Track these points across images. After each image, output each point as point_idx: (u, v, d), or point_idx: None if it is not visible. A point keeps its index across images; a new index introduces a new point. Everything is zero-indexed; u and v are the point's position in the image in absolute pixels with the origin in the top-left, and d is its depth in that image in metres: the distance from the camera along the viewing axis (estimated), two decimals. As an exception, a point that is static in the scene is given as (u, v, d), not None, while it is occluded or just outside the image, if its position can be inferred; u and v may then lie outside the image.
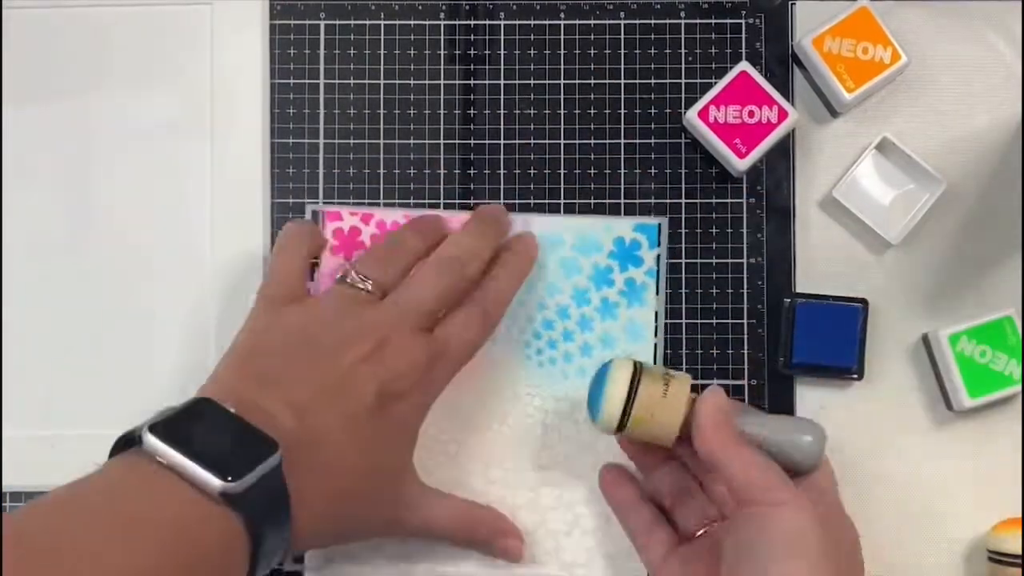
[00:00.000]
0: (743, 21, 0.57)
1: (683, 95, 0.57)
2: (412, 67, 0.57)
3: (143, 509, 0.39)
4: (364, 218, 0.56)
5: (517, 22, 0.57)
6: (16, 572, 0.35)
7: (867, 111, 0.56)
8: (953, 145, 0.56)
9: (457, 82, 0.57)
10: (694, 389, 0.48)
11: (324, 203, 0.56)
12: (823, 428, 0.48)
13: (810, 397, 0.55)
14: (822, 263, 0.56)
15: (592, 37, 0.57)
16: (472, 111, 0.57)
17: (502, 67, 0.57)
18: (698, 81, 0.57)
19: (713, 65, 0.57)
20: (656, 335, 0.55)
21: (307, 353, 0.47)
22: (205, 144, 0.57)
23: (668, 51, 0.57)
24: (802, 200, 0.56)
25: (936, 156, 0.55)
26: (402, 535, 0.51)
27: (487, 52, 0.57)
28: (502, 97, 0.57)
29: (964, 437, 0.55)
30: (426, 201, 0.56)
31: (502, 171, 0.57)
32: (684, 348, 0.56)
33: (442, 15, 0.57)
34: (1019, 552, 0.51)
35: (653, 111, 0.57)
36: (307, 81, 0.57)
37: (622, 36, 0.57)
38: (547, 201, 0.56)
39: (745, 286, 0.56)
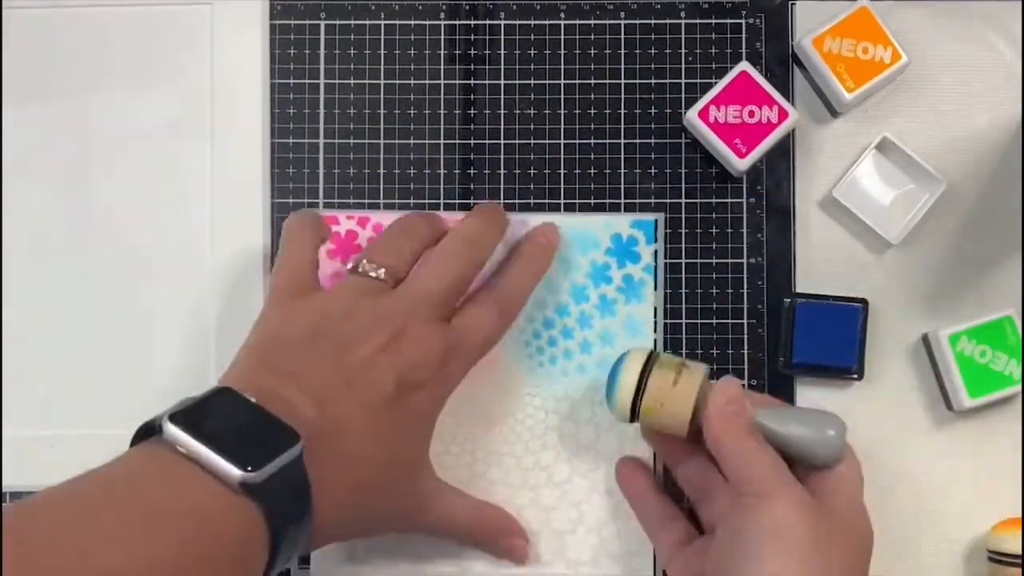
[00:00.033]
0: (743, 21, 0.57)
1: (683, 95, 0.57)
2: (412, 67, 0.57)
3: (162, 498, 0.39)
4: (361, 221, 0.56)
5: (517, 22, 0.57)
6: (28, 560, 0.34)
7: (867, 111, 0.56)
8: (953, 145, 0.56)
9: (457, 82, 0.57)
10: (713, 376, 0.48)
11: (323, 206, 0.56)
12: (843, 421, 0.48)
13: (810, 397, 0.55)
14: (822, 263, 0.56)
15: (592, 37, 0.57)
16: (472, 111, 0.57)
17: (502, 67, 0.57)
18: (698, 81, 0.57)
19: (713, 65, 0.57)
20: (655, 331, 0.55)
21: (325, 344, 0.46)
22: (205, 144, 0.57)
23: (668, 51, 0.57)
24: (802, 200, 0.56)
25: (936, 156, 0.55)
26: (416, 530, 0.51)
27: (487, 52, 0.57)
28: (502, 97, 0.57)
29: (964, 437, 0.55)
30: (426, 201, 0.56)
31: (502, 171, 0.57)
32: (684, 348, 0.56)
33: (442, 15, 0.57)
34: (1019, 552, 0.51)
35: (653, 111, 0.57)
36: (307, 81, 0.57)
37: (622, 36, 0.57)
38: (547, 201, 0.56)
39: (745, 286, 0.56)
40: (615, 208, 0.56)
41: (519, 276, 0.52)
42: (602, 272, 0.55)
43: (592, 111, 0.57)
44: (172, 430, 0.40)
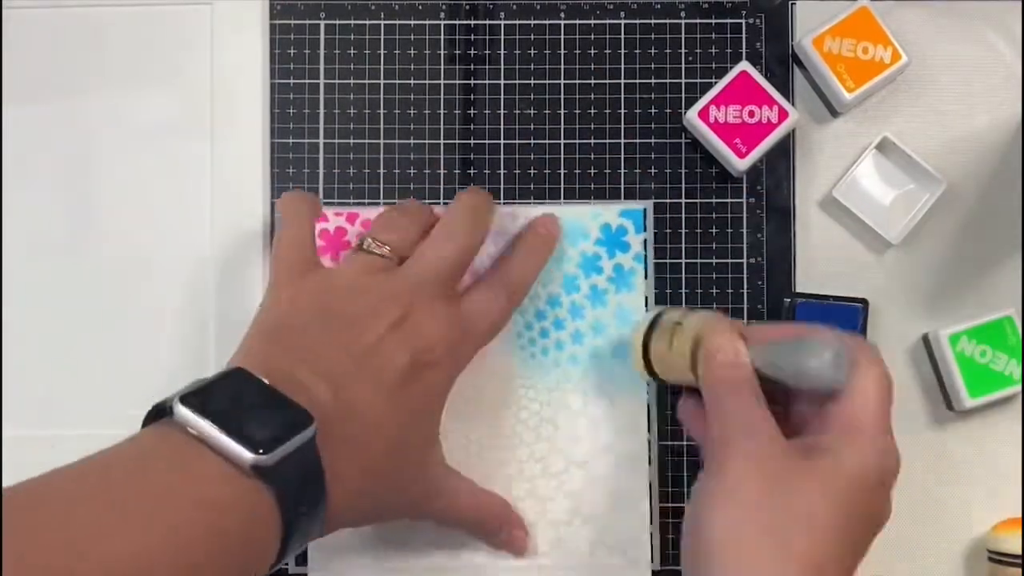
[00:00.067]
0: (743, 21, 0.57)
1: (683, 95, 0.57)
2: (412, 67, 0.57)
3: (170, 481, 0.38)
4: (349, 218, 0.56)
5: (517, 22, 0.57)
6: (31, 538, 0.34)
7: (867, 111, 0.56)
8: (953, 145, 0.56)
9: (457, 82, 0.57)
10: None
11: (323, 206, 0.56)
12: (839, 341, 0.44)
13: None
14: (822, 263, 0.56)
15: (592, 37, 0.57)
16: (472, 111, 0.57)
17: (502, 67, 0.57)
18: (698, 81, 0.57)
19: (713, 65, 0.57)
20: None
21: (336, 325, 0.46)
22: (205, 144, 0.57)
23: (668, 51, 0.57)
24: (802, 200, 0.56)
25: (936, 156, 0.55)
26: (423, 517, 0.50)
27: (487, 52, 0.57)
28: (502, 97, 0.57)
29: (964, 437, 0.55)
30: (426, 201, 0.56)
31: (502, 171, 0.57)
32: (684, 348, 0.56)
33: (442, 15, 0.57)
34: (1019, 552, 0.51)
35: (653, 111, 0.57)
36: (307, 81, 0.57)
37: (622, 36, 0.57)
38: (547, 201, 0.56)
39: (745, 286, 0.56)
40: (615, 208, 0.56)
41: (523, 264, 0.53)
42: (592, 262, 0.55)
43: (592, 111, 0.57)
44: (183, 411, 0.39)
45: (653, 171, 0.56)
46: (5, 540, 0.33)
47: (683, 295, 0.56)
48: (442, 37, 0.57)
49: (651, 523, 0.54)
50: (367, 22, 0.57)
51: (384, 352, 0.46)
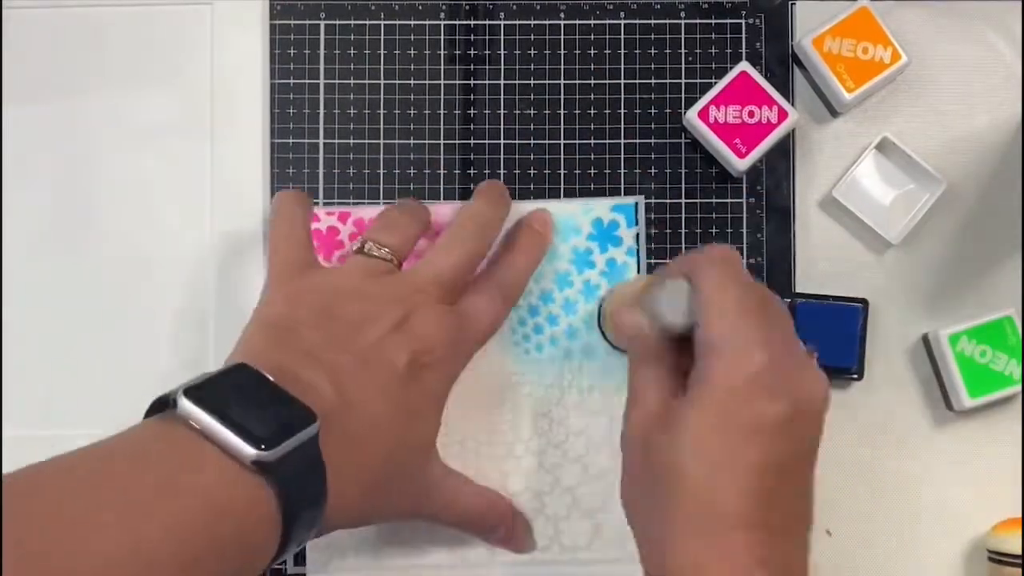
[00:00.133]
0: (743, 21, 0.57)
1: (683, 95, 0.57)
2: (412, 67, 0.57)
3: (171, 474, 0.38)
4: (341, 217, 0.56)
5: (517, 22, 0.57)
6: (31, 525, 0.34)
7: (867, 111, 0.56)
8: (953, 145, 0.56)
9: (457, 82, 0.57)
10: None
11: (322, 206, 0.56)
12: (678, 283, 0.43)
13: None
14: (822, 263, 0.56)
15: (592, 37, 0.57)
16: (472, 111, 0.57)
17: (502, 67, 0.57)
18: (698, 81, 0.57)
19: (713, 65, 0.57)
20: None
21: (337, 325, 0.46)
22: (205, 144, 0.57)
23: (668, 51, 0.57)
24: (802, 200, 0.56)
25: (936, 156, 0.55)
26: (421, 517, 0.50)
27: (487, 52, 0.57)
28: (502, 97, 0.57)
29: (964, 437, 0.55)
30: (426, 201, 0.56)
31: (502, 171, 0.57)
32: (684, 348, 0.56)
33: (442, 15, 0.57)
34: (1019, 552, 0.51)
35: (653, 111, 0.57)
36: (307, 81, 0.57)
37: (622, 36, 0.57)
38: (547, 201, 0.56)
39: (745, 286, 0.56)
40: (615, 208, 0.56)
41: (518, 263, 0.53)
42: (585, 257, 0.55)
43: (592, 111, 0.57)
44: (186, 405, 0.39)
45: (653, 171, 0.56)
46: (5, 526, 0.33)
47: (683, 295, 0.56)
48: (442, 37, 0.57)
49: (650, 522, 0.54)
50: (367, 22, 0.57)
51: (385, 352, 0.46)
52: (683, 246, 0.56)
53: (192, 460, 0.39)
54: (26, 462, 0.36)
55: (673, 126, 0.57)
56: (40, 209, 0.57)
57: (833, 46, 0.54)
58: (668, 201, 0.56)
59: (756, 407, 0.40)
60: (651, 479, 0.42)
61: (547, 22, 0.57)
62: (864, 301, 0.54)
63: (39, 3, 0.57)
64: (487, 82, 0.57)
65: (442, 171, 0.57)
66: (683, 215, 0.56)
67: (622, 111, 0.57)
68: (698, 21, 0.57)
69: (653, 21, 0.57)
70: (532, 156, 0.57)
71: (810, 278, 0.56)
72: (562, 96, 0.57)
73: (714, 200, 0.56)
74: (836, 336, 0.54)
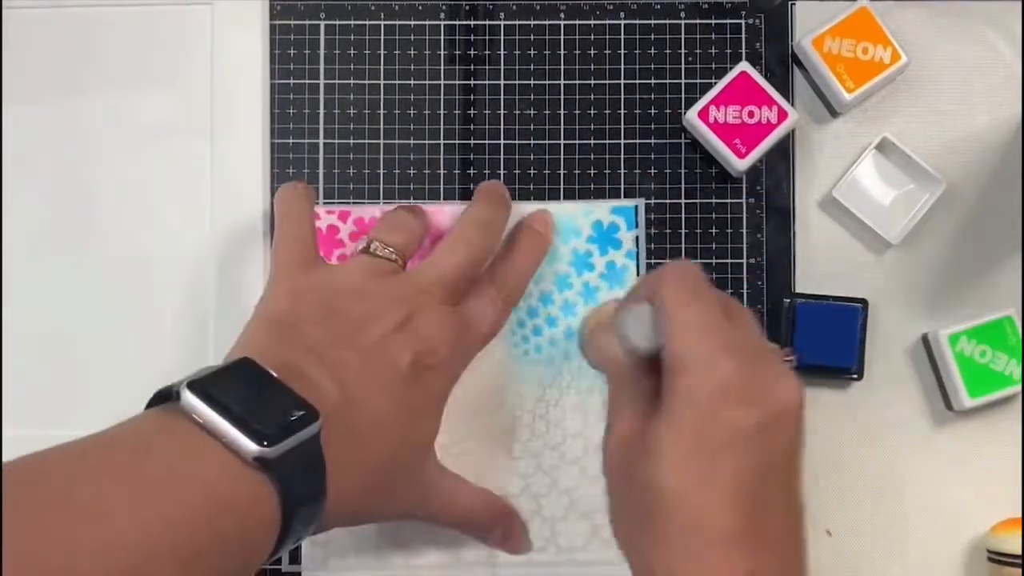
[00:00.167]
0: (743, 21, 0.57)
1: (683, 95, 0.57)
2: (412, 67, 0.57)
3: (173, 467, 0.38)
4: (341, 216, 0.56)
5: (517, 22, 0.57)
6: (32, 513, 0.34)
7: (867, 111, 0.56)
8: (953, 145, 0.56)
9: (457, 82, 0.57)
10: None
11: (322, 206, 0.56)
12: (638, 310, 0.43)
13: (810, 397, 0.55)
14: (822, 263, 0.56)
15: (592, 37, 0.57)
16: (472, 111, 0.57)
17: (502, 67, 0.57)
18: (698, 81, 0.57)
19: (713, 65, 0.57)
20: None
21: (340, 323, 0.46)
22: (205, 144, 0.57)
23: (668, 51, 0.57)
24: (802, 200, 0.56)
25: (936, 156, 0.55)
26: (417, 517, 0.50)
27: (487, 52, 0.57)
28: (502, 97, 0.57)
29: (964, 437, 0.55)
30: (426, 201, 0.56)
31: (502, 171, 0.57)
32: (684, 348, 0.56)
33: (442, 15, 0.57)
34: (1019, 552, 0.51)
35: (653, 111, 0.57)
36: (307, 81, 0.57)
37: (622, 36, 0.57)
38: (547, 201, 0.56)
39: (745, 286, 0.56)
40: (615, 208, 0.56)
41: (519, 264, 0.53)
42: (584, 260, 0.55)
43: (592, 111, 0.57)
44: (190, 398, 0.39)
45: (653, 171, 0.56)
46: (5, 514, 0.33)
47: (683, 295, 0.56)
48: (442, 37, 0.57)
49: (650, 522, 0.54)
50: (367, 22, 0.57)
51: (388, 352, 0.46)
52: (683, 246, 0.56)
53: (194, 454, 0.38)
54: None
55: (673, 126, 0.57)
56: (40, 209, 0.57)
57: (833, 46, 0.54)
58: (668, 201, 0.56)
59: (728, 418, 0.40)
60: (634, 504, 0.42)
61: (547, 22, 0.57)
62: (864, 301, 0.54)
63: (39, 3, 0.57)
64: (487, 82, 0.57)
65: (442, 171, 0.57)
66: (683, 215, 0.56)
67: (622, 111, 0.57)
68: (698, 21, 0.57)
69: (653, 21, 0.57)
70: (532, 156, 0.57)
71: (810, 278, 0.56)
72: (562, 96, 0.57)
73: (714, 200, 0.56)
74: (836, 336, 0.54)
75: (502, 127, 0.57)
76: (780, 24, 0.57)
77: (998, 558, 0.52)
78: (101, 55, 0.57)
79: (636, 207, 0.56)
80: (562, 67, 0.57)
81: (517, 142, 0.57)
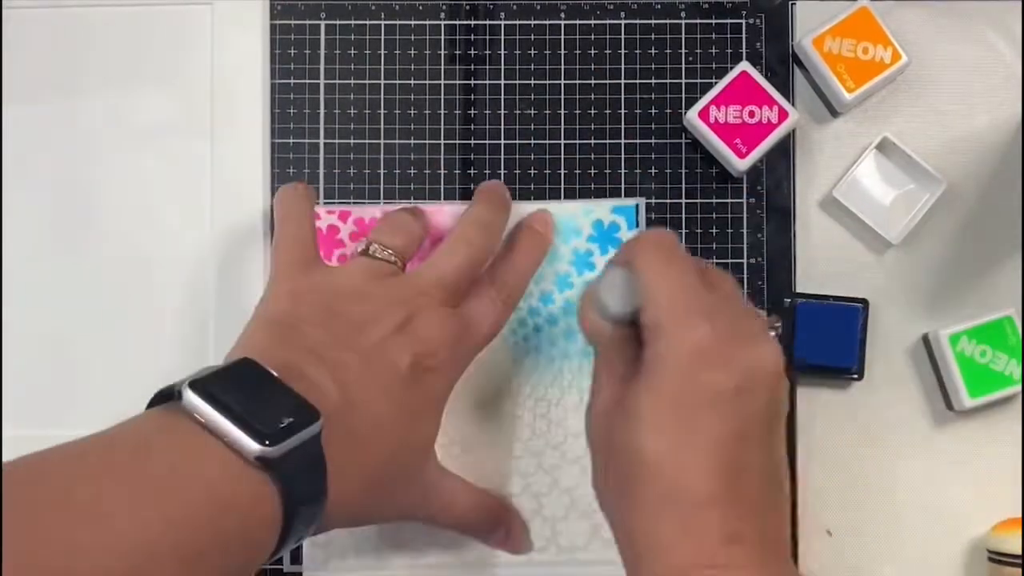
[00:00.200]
0: (743, 21, 0.57)
1: (683, 95, 0.57)
2: (412, 67, 0.57)
3: (175, 466, 0.38)
4: (341, 216, 0.56)
5: (517, 22, 0.57)
6: (33, 513, 0.34)
7: (867, 111, 0.56)
8: (953, 145, 0.56)
9: (457, 82, 0.57)
10: None
11: (322, 206, 0.56)
12: (617, 274, 0.44)
13: (810, 397, 0.55)
14: (822, 263, 0.56)
15: (592, 37, 0.57)
16: (472, 111, 0.57)
17: (502, 67, 0.57)
18: (698, 81, 0.57)
19: (713, 65, 0.57)
20: None
21: (340, 325, 0.46)
22: (205, 144, 0.57)
23: (668, 51, 0.57)
24: (802, 200, 0.56)
25: (936, 156, 0.55)
26: (417, 519, 0.50)
27: (487, 52, 0.57)
28: (502, 97, 0.57)
29: (964, 437, 0.55)
30: (426, 201, 0.56)
31: (502, 171, 0.57)
32: (684, 348, 0.56)
33: (442, 15, 0.57)
34: (1019, 552, 0.51)
35: (653, 111, 0.57)
36: (307, 81, 0.57)
37: (622, 36, 0.57)
38: (547, 200, 0.56)
39: (745, 286, 0.56)
40: (615, 208, 0.56)
41: (519, 264, 0.53)
42: (585, 259, 0.55)
43: (592, 111, 0.57)
44: (192, 398, 0.39)
45: (653, 171, 0.56)
46: (5, 514, 0.33)
47: (683, 295, 0.56)
48: (442, 37, 0.57)
49: (650, 522, 0.54)
50: (367, 22, 0.57)
51: (388, 353, 0.46)
52: (683, 246, 0.56)
53: (195, 453, 0.39)
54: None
55: (673, 126, 0.57)
56: (40, 209, 0.57)
57: (833, 46, 0.54)
58: (668, 201, 0.56)
59: (705, 379, 0.40)
60: (615, 468, 0.42)
61: (547, 22, 0.57)
62: (864, 301, 0.54)
63: (38, 3, 0.57)
64: (487, 82, 0.57)
65: (442, 171, 0.57)
66: (683, 215, 0.56)
67: (622, 111, 0.57)
68: (698, 21, 0.57)
69: (653, 21, 0.57)
70: (532, 156, 0.57)
71: (810, 278, 0.56)
72: (562, 96, 0.57)
73: (714, 200, 0.56)
74: (836, 336, 0.54)
75: (502, 127, 0.57)
76: (780, 24, 0.57)
77: (998, 558, 0.52)
78: (101, 55, 0.57)
79: (637, 206, 0.56)
80: (562, 67, 0.57)
81: (517, 142, 0.57)
